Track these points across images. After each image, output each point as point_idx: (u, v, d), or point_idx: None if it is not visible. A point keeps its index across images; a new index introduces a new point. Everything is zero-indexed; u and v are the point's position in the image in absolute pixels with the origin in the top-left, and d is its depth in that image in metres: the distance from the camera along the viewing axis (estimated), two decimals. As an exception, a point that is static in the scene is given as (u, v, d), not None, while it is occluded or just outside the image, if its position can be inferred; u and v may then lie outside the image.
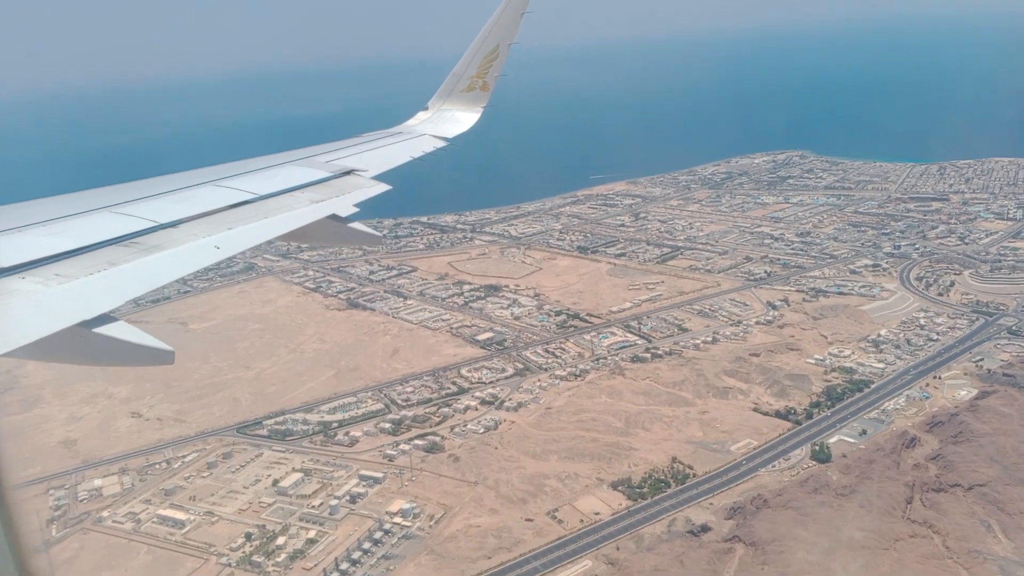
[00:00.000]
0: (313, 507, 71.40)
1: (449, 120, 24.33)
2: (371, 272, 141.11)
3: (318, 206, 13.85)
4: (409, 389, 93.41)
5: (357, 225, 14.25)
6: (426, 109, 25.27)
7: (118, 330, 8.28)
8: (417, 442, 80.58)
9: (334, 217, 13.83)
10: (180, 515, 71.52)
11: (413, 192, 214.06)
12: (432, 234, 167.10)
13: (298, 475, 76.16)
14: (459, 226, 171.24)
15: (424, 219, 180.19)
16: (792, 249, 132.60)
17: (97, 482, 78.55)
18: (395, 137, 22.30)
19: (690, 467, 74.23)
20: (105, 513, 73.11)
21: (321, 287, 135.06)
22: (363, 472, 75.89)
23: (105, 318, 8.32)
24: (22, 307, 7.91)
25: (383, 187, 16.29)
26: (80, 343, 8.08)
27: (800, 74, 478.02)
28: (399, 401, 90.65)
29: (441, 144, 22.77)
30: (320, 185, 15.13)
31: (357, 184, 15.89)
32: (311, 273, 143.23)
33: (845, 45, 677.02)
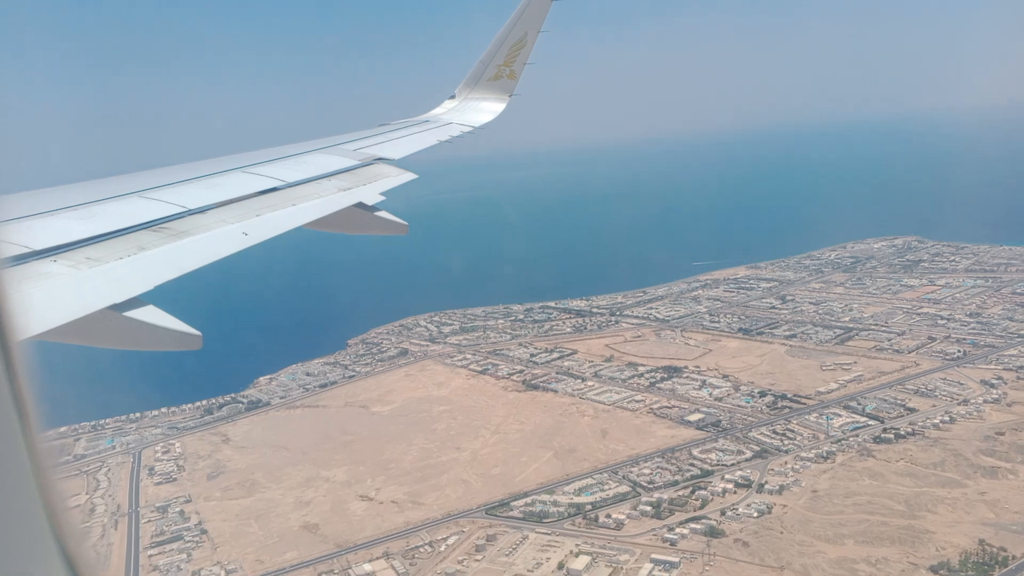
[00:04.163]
0: (619, 593, 68.20)
1: (476, 109, 24.15)
2: (531, 356, 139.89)
3: (345, 194, 13.83)
4: (646, 471, 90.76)
5: (384, 214, 14.02)
6: (453, 97, 25.03)
7: (148, 314, 8.36)
8: (693, 526, 77.50)
9: (361, 205, 13.68)
10: (479, 601, 68.54)
11: (528, 277, 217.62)
12: (570, 318, 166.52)
13: (586, 559, 73.12)
14: (595, 310, 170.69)
15: (552, 304, 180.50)
16: (971, 329, 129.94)
17: (367, 567, 76.07)
18: (422, 125, 22.13)
19: (1003, 549, 70.37)
20: (395, 599, 70.35)
21: (488, 370, 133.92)
22: (655, 556, 72.74)
23: (135, 302, 8.38)
24: (54, 289, 7.91)
25: (410, 175, 16.13)
26: (111, 326, 8.11)
27: (869, 164, 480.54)
28: (643, 483, 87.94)
29: (468, 130, 22.52)
30: (347, 173, 15.09)
31: (384, 172, 15.82)
32: (469, 356, 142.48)
33: (869, 141, 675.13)
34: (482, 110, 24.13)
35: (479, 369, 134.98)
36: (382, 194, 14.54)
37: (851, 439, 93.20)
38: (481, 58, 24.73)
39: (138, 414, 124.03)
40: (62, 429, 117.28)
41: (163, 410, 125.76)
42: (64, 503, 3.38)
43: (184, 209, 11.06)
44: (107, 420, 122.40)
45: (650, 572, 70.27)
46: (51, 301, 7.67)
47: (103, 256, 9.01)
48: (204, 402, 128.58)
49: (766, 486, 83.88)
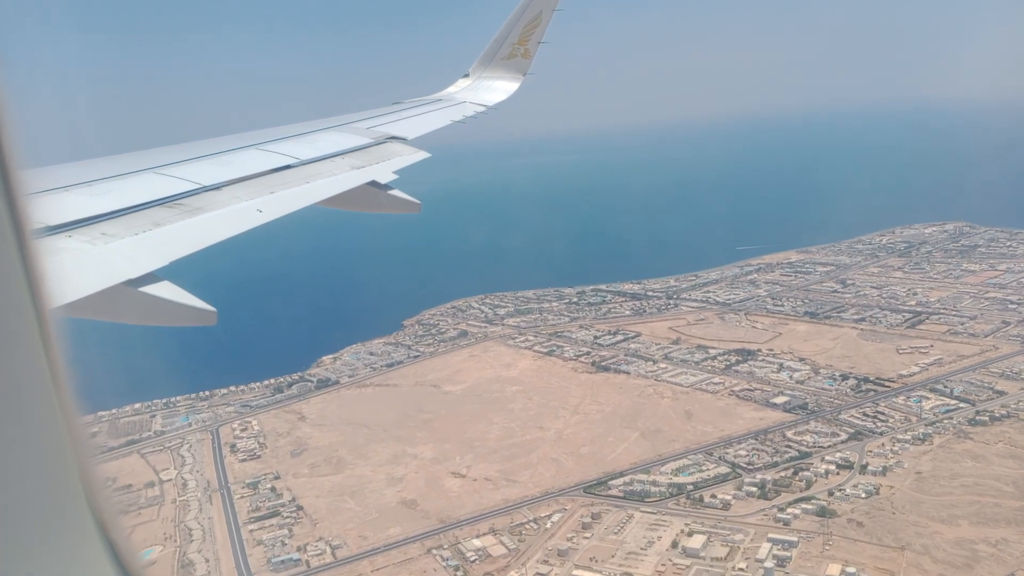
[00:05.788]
0: (741, 569, 67.91)
1: (490, 88, 23.91)
2: (595, 338, 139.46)
3: (358, 172, 13.92)
4: (742, 452, 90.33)
5: (397, 192, 14.02)
6: (467, 76, 24.76)
7: (163, 289, 8.36)
8: (804, 506, 77.10)
9: (374, 183, 13.73)
10: (601, 578, 68.45)
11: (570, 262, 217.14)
12: (626, 300, 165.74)
13: (701, 537, 72.82)
14: (649, 293, 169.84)
15: (604, 287, 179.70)
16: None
17: (476, 542, 76.05)
18: (435, 104, 22.02)
19: None
20: (514, 574, 70.30)
21: (554, 351, 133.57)
22: (772, 535, 72.41)
23: (151, 277, 8.39)
24: (69, 264, 7.96)
25: (423, 154, 16.14)
26: (126, 301, 8.14)
27: (893, 151, 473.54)
28: (742, 464, 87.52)
29: (481, 110, 22.30)
30: (361, 151, 15.23)
31: (397, 151, 15.87)
32: (531, 338, 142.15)
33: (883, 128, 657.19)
34: (496, 89, 23.99)
35: (544, 351, 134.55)
36: (395, 172, 14.59)
37: (945, 421, 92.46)
38: (495, 36, 24.54)
39: (207, 392, 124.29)
40: (136, 405, 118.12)
41: (232, 388, 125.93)
42: (102, 482, 3.34)
43: (199, 186, 11.10)
44: (178, 398, 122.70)
45: (769, 551, 69.90)
46: (66, 276, 7.68)
47: (118, 232, 9.03)
48: (272, 380, 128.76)
49: (868, 467, 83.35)
